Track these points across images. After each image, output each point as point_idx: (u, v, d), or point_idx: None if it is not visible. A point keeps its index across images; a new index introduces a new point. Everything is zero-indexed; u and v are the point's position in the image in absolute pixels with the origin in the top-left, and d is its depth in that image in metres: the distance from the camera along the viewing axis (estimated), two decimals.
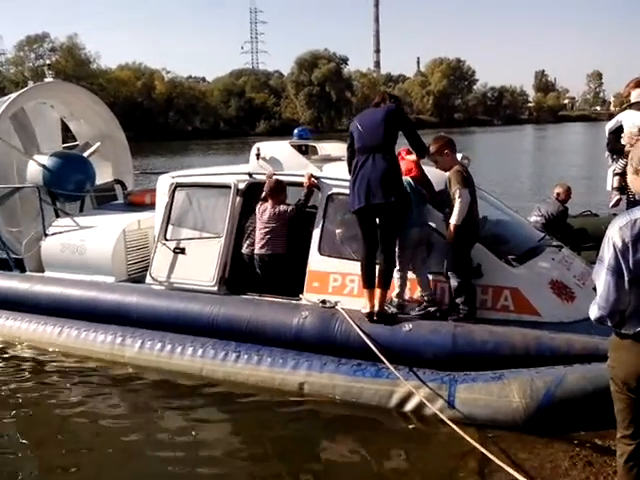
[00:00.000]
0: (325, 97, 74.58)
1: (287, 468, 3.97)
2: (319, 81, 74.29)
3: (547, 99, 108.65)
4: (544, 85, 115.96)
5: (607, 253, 2.60)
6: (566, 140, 39.21)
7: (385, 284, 4.69)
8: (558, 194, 7.33)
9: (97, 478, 3.86)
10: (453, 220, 4.54)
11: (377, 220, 4.71)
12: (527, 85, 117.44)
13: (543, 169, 19.95)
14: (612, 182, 6.22)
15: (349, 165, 4.85)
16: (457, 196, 4.56)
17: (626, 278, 2.58)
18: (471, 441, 3.67)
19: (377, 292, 4.67)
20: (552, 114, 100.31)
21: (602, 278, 2.63)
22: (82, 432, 4.45)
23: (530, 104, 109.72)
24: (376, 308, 4.66)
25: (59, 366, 5.57)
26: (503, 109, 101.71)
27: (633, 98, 6.01)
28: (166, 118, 66.76)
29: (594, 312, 2.70)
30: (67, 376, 5.38)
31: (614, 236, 2.58)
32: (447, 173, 4.76)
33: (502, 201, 6.22)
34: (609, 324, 2.71)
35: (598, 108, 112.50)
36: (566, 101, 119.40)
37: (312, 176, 5.30)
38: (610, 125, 6.19)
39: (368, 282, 4.73)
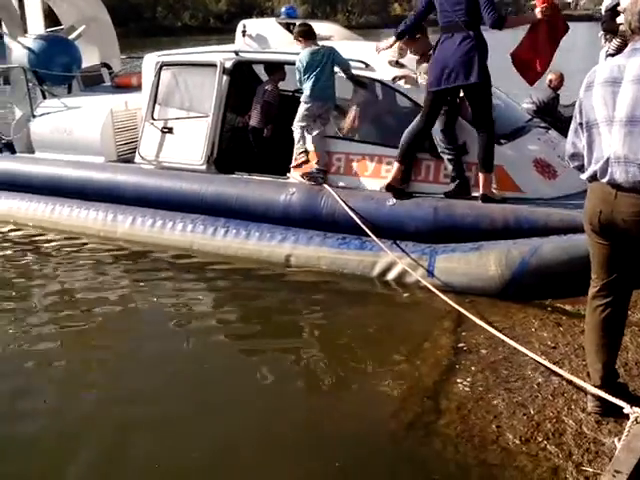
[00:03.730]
0: None
1: (274, 331, 4.20)
2: None
3: None
4: None
5: (577, 102, 2.75)
6: (568, 39, 38.04)
7: (489, 167, 4.58)
8: (550, 81, 7.25)
9: (94, 348, 4.04)
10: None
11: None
12: None
13: None
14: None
15: (410, 32, 4.76)
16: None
17: (578, 121, 2.73)
18: (448, 301, 3.88)
19: (481, 176, 4.58)
20: None
21: (571, 124, 2.80)
22: (80, 302, 4.63)
23: (532, 2, 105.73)
24: (482, 191, 4.58)
25: (53, 242, 5.72)
26: (505, 7, 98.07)
27: None
28: (154, 13, 64.16)
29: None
30: (61, 251, 5.53)
31: (581, 86, 2.74)
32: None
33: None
34: (571, 166, 2.88)
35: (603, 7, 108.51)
36: (570, 0, 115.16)
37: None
38: (607, 2, 6.06)
39: (406, 158, 4.73)
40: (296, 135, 5.03)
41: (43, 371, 3.75)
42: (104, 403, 3.37)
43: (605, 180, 2.60)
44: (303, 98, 4.98)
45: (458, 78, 4.44)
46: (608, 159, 2.57)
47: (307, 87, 4.93)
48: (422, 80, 4.77)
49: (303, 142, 5.04)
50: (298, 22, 6.11)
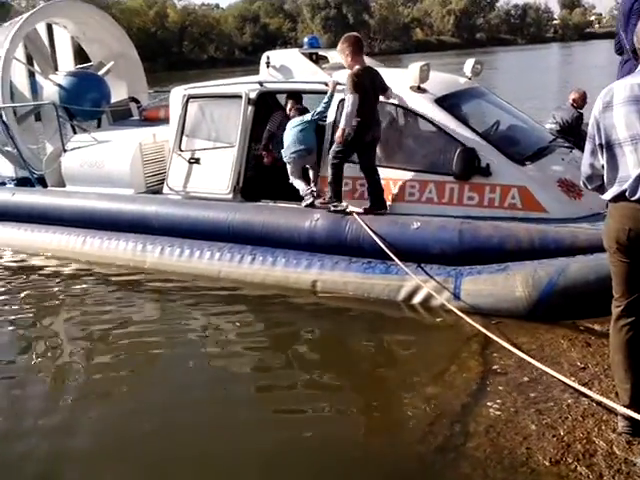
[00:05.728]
0: (342, 20, 72.49)
1: (302, 356, 4.24)
2: (335, 3, 72.15)
3: (573, 16, 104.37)
4: (569, 1, 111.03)
5: (590, 122, 2.77)
6: (592, 57, 37.94)
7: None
8: (574, 100, 7.26)
9: (125, 377, 4.11)
10: (341, 125, 4.74)
11: None
12: (552, 2, 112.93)
13: (568, 83, 19.53)
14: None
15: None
16: (346, 100, 4.72)
17: (597, 142, 2.73)
18: (474, 324, 3.86)
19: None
20: (578, 31, 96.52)
21: (585, 145, 2.81)
22: (111, 333, 4.69)
23: (555, 22, 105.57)
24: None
25: (85, 273, 5.86)
26: (527, 27, 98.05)
27: None
28: (180, 47, 65.70)
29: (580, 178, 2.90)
30: (94, 282, 5.66)
31: (595, 105, 2.75)
32: None
33: (515, 107, 6.24)
34: (589, 188, 2.89)
35: None
36: (592, 18, 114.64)
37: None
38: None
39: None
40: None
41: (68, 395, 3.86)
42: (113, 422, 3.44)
43: (635, 198, 2.60)
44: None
45: None
46: (639, 177, 2.57)
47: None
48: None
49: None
50: (321, 51, 6.26)
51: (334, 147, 4.91)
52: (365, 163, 4.94)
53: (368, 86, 4.78)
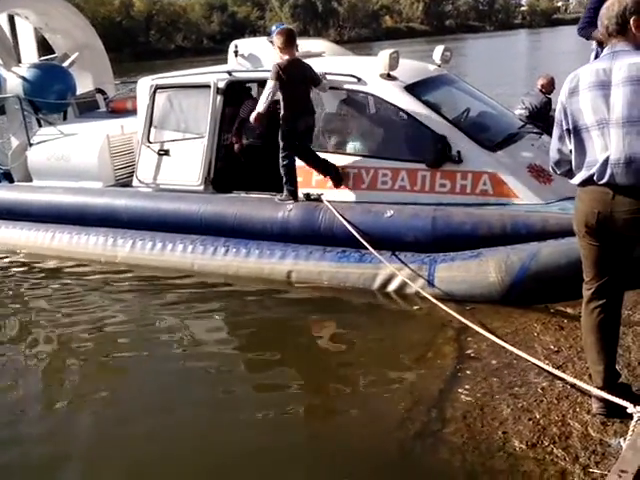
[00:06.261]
0: (311, 8, 72.07)
1: (276, 347, 4.19)
2: None
3: (540, 2, 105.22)
4: None
5: (557, 108, 2.79)
6: (559, 43, 38.31)
7: None
8: (542, 85, 7.32)
9: (95, 371, 4.08)
10: (258, 108, 4.88)
11: None
12: None
13: (536, 69, 19.70)
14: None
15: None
16: (265, 86, 4.90)
17: (564, 127, 2.75)
18: (449, 311, 3.88)
19: None
20: (546, 18, 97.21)
21: (553, 131, 2.83)
22: (82, 328, 4.61)
23: (523, 8, 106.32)
24: None
25: (55, 269, 5.76)
26: (495, 14, 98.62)
27: None
28: (147, 37, 64.67)
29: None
30: (64, 278, 5.56)
31: (561, 91, 2.77)
32: None
33: (485, 93, 6.26)
34: (557, 173, 2.93)
35: None
36: (560, 4, 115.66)
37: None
38: None
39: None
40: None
41: (47, 393, 3.82)
42: (105, 424, 3.39)
43: (603, 182, 2.62)
44: None
45: None
46: (607, 161, 2.59)
47: None
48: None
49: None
50: None
51: (280, 151, 5.00)
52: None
53: (297, 78, 4.89)
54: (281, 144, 4.98)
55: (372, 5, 77.06)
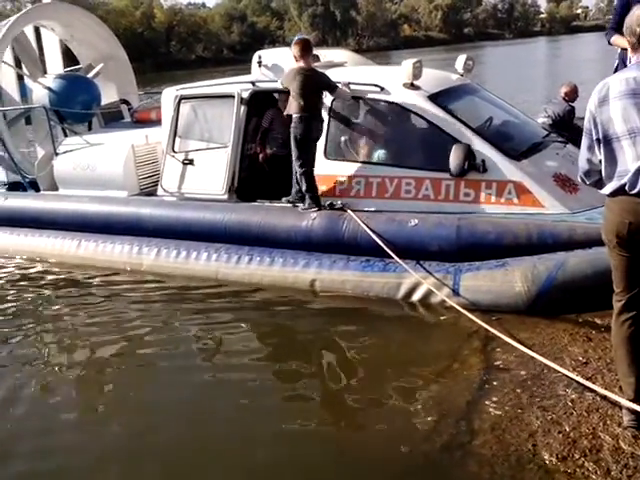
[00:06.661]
0: (329, 17, 72.49)
1: (302, 357, 4.20)
2: (323, 0, 72.00)
3: (559, 9, 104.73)
4: None
5: (585, 117, 2.76)
6: (579, 50, 38.12)
7: None
8: (565, 93, 7.26)
9: (120, 380, 4.10)
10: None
11: None
12: None
13: (557, 77, 19.61)
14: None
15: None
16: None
17: (594, 137, 2.73)
18: (475, 320, 3.86)
19: None
20: (565, 25, 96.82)
21: (582, 141, 2.80)
22: (111, 338, 4.66)
23: (542, 15, 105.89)
24: None
25: (81, 277, 5.81)
26: (514, 22, 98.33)
27: None
28: (168, 48, 65.37)
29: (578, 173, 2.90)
30: (90, 286, 5.61)
31: (590, 100, 2.75)
32: None
33: (509, 102, 6.25)
34: (587, 183, 2.90)
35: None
36: (579, 11, 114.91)
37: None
38: None
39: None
40: None
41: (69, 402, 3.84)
42: (126, 437, 3.41)
43: (635, 191, 2.59)
44: None
45: None
46: (638, 171, 2.57)
47: None
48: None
49: None
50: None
51: (294, 161, 5.03)
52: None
53: (308, 85, 4.97)
54: (296, 152, 4.99)
55: (390, 14, 77.33)
